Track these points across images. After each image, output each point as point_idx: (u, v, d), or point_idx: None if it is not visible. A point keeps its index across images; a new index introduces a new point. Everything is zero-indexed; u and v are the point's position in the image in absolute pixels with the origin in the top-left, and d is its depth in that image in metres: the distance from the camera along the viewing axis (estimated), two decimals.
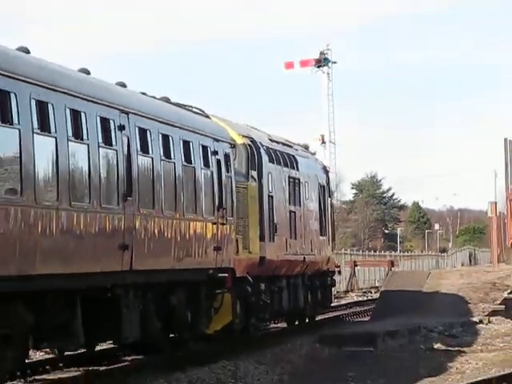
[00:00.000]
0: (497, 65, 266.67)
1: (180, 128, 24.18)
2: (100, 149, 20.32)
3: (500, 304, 43.27)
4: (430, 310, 42.05)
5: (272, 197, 31.23)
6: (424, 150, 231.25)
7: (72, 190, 19.30)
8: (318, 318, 43.65)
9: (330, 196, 41.20)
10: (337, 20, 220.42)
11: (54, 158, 18.76)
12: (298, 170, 35.04)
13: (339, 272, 51.82)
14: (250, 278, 28.13)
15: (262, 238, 29.71)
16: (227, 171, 26.78)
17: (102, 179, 20.56)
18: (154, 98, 25.28)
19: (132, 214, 21.68)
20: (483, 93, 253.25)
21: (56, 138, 18.89)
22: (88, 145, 19.82)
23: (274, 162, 31.93)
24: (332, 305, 51.60)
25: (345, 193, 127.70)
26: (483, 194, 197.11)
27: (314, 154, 43.90)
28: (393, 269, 68.17)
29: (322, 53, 59.51)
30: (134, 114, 21.85)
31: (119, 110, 21.28)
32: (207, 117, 27.55)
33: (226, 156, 26.85)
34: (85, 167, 20.17)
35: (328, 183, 40.81)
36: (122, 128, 21.20)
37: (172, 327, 24.35)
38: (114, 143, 21.04)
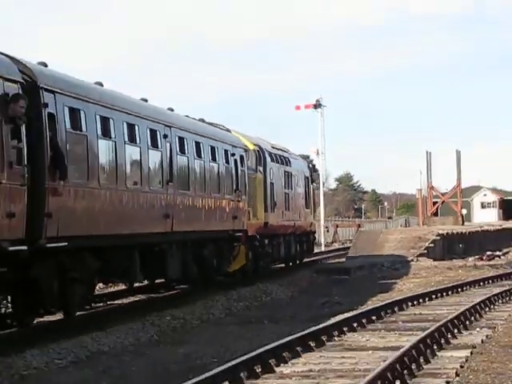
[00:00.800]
0: None
1: (207, 137, 30.61)
2: (149, 150, 25.09)
3: (424, 249, 50.98)
4: (381, 254, 49.95)
5: (273, 184, 39.51)
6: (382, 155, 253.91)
7: (127, 176, 23.54)
8: (316, 258, 54.32)
9: (312, 183, 50.86)
10: (327, 79, 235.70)
11: (113, 156, 22.96)
12: (290, 166, 43.85)
13: (327, 230, 79.72)
14: (257, 236, 36.19)
15: (266, 210, 37.90)
16: (242, 167, 34.28)
17: (150, 170, 25.22)
18: (193, 118, 31.90)
19: (173, 193, 26.78)
20: None
21: (115, 141, 23.17)
22: (140, 147, 24.51)
23: (274, 161, 40.37)
24: (323, 250, 67.35)
25: (330, 183, 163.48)
26: (414, 184, 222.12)
27: (308, 157, 55.64)
28: (359, 229, 79.37)
29: (317, 100, 67.90)
30: (174, 127, 27.30)
31: (164, 124, 26.49)
32: (228, 131, 35.29)
33: (241, 157, 34.45)
34: (137, 162, 24.52)
35: (311, 175, 50.76)
36: (165, 136, 26.35)
37: (204, 269, 30.46)
38: (159, 146, 25.96)
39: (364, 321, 22.76)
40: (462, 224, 79.47)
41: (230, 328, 23.77)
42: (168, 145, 26.72)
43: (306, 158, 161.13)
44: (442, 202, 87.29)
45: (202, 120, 32.83)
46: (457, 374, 15.72)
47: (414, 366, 15.98)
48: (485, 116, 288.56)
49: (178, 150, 27.65)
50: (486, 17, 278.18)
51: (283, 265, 44.67)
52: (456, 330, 20.93)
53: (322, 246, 70.79)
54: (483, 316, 24.29)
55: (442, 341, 19.24)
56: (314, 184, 52.68)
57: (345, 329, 21.33)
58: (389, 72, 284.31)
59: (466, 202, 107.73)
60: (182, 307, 26.96)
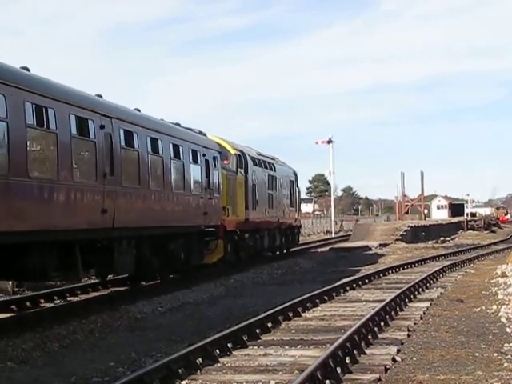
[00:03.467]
0: None
1: (169, 136, 20.98)
2: (77, 140, 15.63)
3: (399, 236, 50.48)
4: (370, 239, 49.41)
5: (255, 185, 31.23)
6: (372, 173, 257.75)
7: (59, 168, 14.75)
8: (329, 241, 53.96)
9: (297, 187, 41.47)
10: (336, 124, 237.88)
11: (45, 146, 14.80)
12: (275, 171, 35.34)
13: (336, 223, 71.74)
14: (237, 231, 28.00)
15: (246, 207, 29.64)
16: (215, 167, 25.20)
17: (82, 162, 16.27)
18: (170, 122, 22.70)
19: (113, 187, 17.11)
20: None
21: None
22: (65, 135, 14.94)
23: (257, 165, 31.99)
24: (333, 236, 65.86)
25: (338, 192, 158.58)
26: (393, 193, 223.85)
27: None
28: (357, 222, 78.45)
29: (330, 138, 69.62)
30: (116, 119, 17.58)
31: (100, 114, 16.75)
32: (204, 134, 25.89)
33: (214, 158, 25.23)
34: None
35: (296, 180, 41.06)
36: (102, 127, 16.70)
37: (171, 262, 21.91)
38: (92, 136, 16.31)
39: (360, 283, 22.75)
40: (425, 219, 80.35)
41: (272, 287, 23.73)
42: (107, 136, 17.06)
43: (321, 176, 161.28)
44: (411, 205, 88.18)
45: (178, 124, 23.56)
46: (421, 318, 15.76)
47: (393, 313, 15.95)
48: (438, 149, 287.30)
49: (122, 143, 17.90)
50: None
51: (270, 253, 36.04)
52: (421, 289, 20.86)
53: (333, 233, 70.92)
54: (438, 280, 24.24)
55: (412, 296, 19.19)
56: (298, 188, 42.63)
57: (347, 288, 21.33)
58: (379, 119, 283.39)
59: (427, 205, 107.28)
60: (240, 273, 26.96)
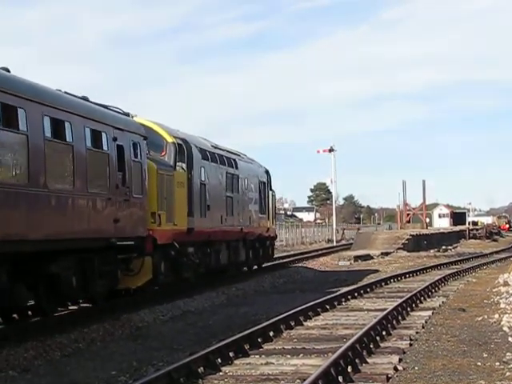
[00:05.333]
0: None
1: (45, 105, 14.13)
2: None
3: (401, 245, 50.89)
4: (372, 247, 50.01)
5: (205, 185, 23.83)
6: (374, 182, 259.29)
7: None
8: (332, 249, 53.19)
9: (270, 189, 33.24)
10: (338, 132, 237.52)
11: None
12: (236, 169, 27.72)
13: (337, 231, 71.16)
14: (175, 244, 20.88)
15: (190, 214, 22.27)
16: (135, 157, 18.42)
17: None
18: (84, 98, 16.94)
19: None
20: None
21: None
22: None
23: (209, 160, 24.43)
24: (334, 244, 65.18)
25: (340, 201, 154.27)
26: (395, 201, 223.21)
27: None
28: (359, 231, 77.62)
29: (331, 146, 70.06)
30: None
31: None
32: (127, 115, 19.21)
33: (135, 145, 18.47)
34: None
35: (269, 181, 33.03)
36: None
37: (53, 291, 15.14)
38: None
39: (361, 291, 22.69)
40: (426, 228, 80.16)
41: (273, 296, 23.68)
42: None
43: (322, 184, 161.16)
44: (413, 214, 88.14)
45: (85, 98, 17.09)
46: (423, 327, 15.74)
47: (394, 322, 15.94)
48: (440, 158, 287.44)
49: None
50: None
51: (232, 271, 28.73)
52: (422, 298, 20.81)
53: (334, 242, 70.98)
54: (440, 289, 24.15)
55: (413, 305, 19.16)
56: (272, 191, 34.34)
57: (349, 297, 21.27)
58: (381, 127, 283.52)
59: (429, 214, 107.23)
60: (242, 282, 26.89)
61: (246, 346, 12.80)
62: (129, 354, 13.08)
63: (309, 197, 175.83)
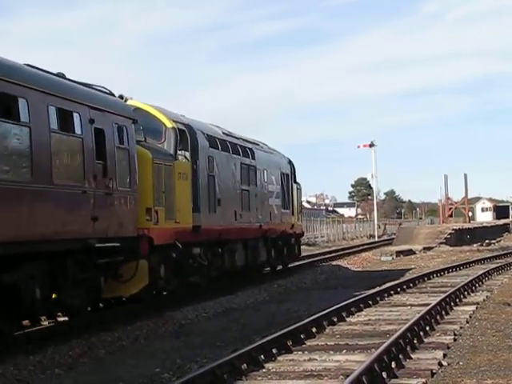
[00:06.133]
0: None
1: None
2: None
3: (443, 239, 50.67)
4: (414, 242, 49.46)
5: (214, 176, 21.09)
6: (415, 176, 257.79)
7: None
8: (374, 244, 53.42)
9: (294, 182, 30.35)
10: (379, 126, 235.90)
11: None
12: (253, 159, 24.92)
13: (379, 227, 69.04)
14: (178, 245, 18.26)
15: (196, 210, 19.65)
16: (120, 143, 15.73)
17: None
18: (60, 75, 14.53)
19: None
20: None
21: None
22: None
23: (218, 149, 21.64)
24: (376, 239, 64.79)
25: (381, 196, 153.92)
26: (436, 195, 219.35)
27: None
28: (400, 226, 77.71)
29: (371, 141, 69.89)
30: None
31: None
32: (111, 95, 16.40)
33: (120, 128, 15.77)
34: None
35: (293, 173, 30.10)
36: None
37: (19, 307, 12.61)
38: None
39: (404, 286, 22.51)
40: (469, 222, 79.67)
41: (315, 292, 23.60)
42: None
43: (363, 180, 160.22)
44: (455, 208, 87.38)
45: (61, 75, 14.61)
46: (467, 321, 15.57)
47: (438, 317, 15.80)
48: (481, 151, 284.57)
49: None
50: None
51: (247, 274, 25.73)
52: (466, 293, 20.60)
53: (376, 237, 70.86)
54: (484, 283, 23.88)
55: (457, 300, 18.98)
56: (297, 184, 31.12)
57: (392, 292, 21.12)
58: (422, 121, 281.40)
59: (471, 208, 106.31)
60: (284, 278, 26.84)
61: (289, 343, 12.78)
62: (172, 351, 13.13)
63: (350, 192, 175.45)
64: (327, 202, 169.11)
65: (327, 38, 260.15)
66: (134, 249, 16.45)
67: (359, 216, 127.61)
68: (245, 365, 10.99)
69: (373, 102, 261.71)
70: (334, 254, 41.53)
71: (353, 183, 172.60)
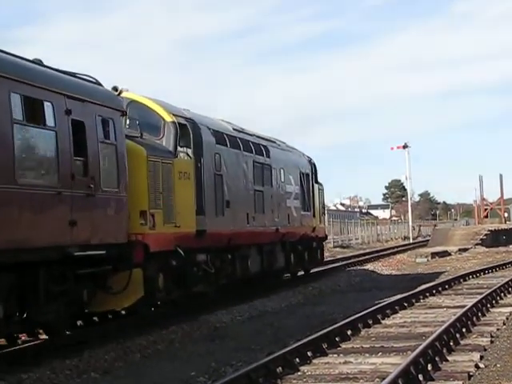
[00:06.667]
0: None
1: None
2: None
3: (479, 240, 50.39)
4: (450, 243, 49.36)
5: (221, 175, 19.25)
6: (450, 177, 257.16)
7: None
8: (409, 246, 53.32)
9: (316, 182, 28.48)
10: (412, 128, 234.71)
11: None
12: (268, 157, 22.90)
13: (414, 228, 67.73)
14: (180, 251, 16.40)
15: (200, 212, 17.78)
16: (106, 137, 13.94)
17: None
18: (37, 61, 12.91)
19: None
20: None
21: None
22: None
23: (227, 146, 19.80)
24: (411, 241, 64.34)
25: (415, 197, 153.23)
26: (471, 196, 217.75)
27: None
28: (435, 227, 77.53)
29: (405, 143, 69.76)
30: None
31: None
32: (98, 84, 14.51)
33: (104, 121, 13.95)
34: None
35: (314, 173, 28.24)
36: None
37: None
38: None
39: (440, 288, 22.36)
40: (505, 222, 78.91)
41: (351, 294, 23.53)
42: None
43: (397, 181, 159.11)
44: (491, 209, 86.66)
45: (38, 62, 12.97)
46: (504, 323, 15.47)
47: (474, 319, 15.68)
48: None
49: None
50: None
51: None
52: (503, 294, 20.43)
53: (411, 239, 70.58)
54: None
55: (493, 302, 18.83)
56: (319, 184, 29.25)
57: (427, 294, 20.98)
58: (456, 122, 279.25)
59: (507, 208, 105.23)
60: (319, 281, 26.81)
61: (324, 346, 12.73)
62: (207, 355, 13.13)
63: (384, 194, 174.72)
64: (361, 204, 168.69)
65: (361, 39, 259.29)
66: (126, 257, 14.57)
67: (393, 218, 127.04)
68: (280, 368, 10.96)
69: (406, 103, 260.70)
70: (368, 256, 41.39)
71: (387, 185, 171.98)
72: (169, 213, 16.40)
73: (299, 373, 11.03)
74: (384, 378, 9.71)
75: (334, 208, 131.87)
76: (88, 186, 13.23)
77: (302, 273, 28.19)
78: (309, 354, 12.00)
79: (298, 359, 11.58)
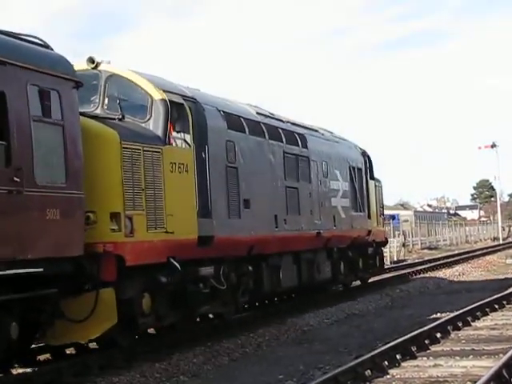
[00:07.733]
0: None
1: None
2: None
3: None
4: None
5: (236, 168, 15.54)
6: None
7: None
8: (498, 247, 50.85)
9: (372, 178, 24.96)
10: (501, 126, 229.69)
11: None
12: (305, 147, 19.24)
13: (503, 229, 62.92)
14: (175, 264, 12.89)
15: (205, 214, 14.09)
16: (45, 115, 10.46)
17: None
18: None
19: None
20: None
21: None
22: None
23: (245, 132, 16.18)
24: (502, 242, 61.93)
25: (504, 197, 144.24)
26: None
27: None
28: None
29: (493, 142, 68.98)
30: None
31: None
32: (45, 47, 11.14)
33: (44, 93, 10.45)
34: None
35: (368, 168, 24.64)
36: None
37: None
38: None
39: None
40: None
41: (439, 296, 23.20)
42: None
43: (485, 181, 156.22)
44: None
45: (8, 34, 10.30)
46: None
47: None
48: None
49: None
50: None
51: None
52: None
53: (500, 239, 69.36)
54: None
55: None
56: (376, 181, 25.82)
57: None
58: None
59: None
60: (406, 283, 26.63)
61: (413, 348, 12.56)
62: (295, 358, 13.12)
63: (472, 195, 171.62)
64: (448, 204, 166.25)
65: (451, 36, 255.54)
66: (88, 274, 11.43)
67: (482, 218, 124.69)
68: (368, 371, 10.88)
69: (494, 101, 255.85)
70: (456, 258, 40.87)
71: (475, 185, 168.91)
72: (156, 215, 12.82)
73: (388, 376, 10.90)
74: (475, 382, 9.53)
75: (421, 209, 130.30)
76: (11, 179, 9.70)
77: (359, 283, 25.29)
78: (398, 356, 11.86)
79: (386, 362, 11.46)
